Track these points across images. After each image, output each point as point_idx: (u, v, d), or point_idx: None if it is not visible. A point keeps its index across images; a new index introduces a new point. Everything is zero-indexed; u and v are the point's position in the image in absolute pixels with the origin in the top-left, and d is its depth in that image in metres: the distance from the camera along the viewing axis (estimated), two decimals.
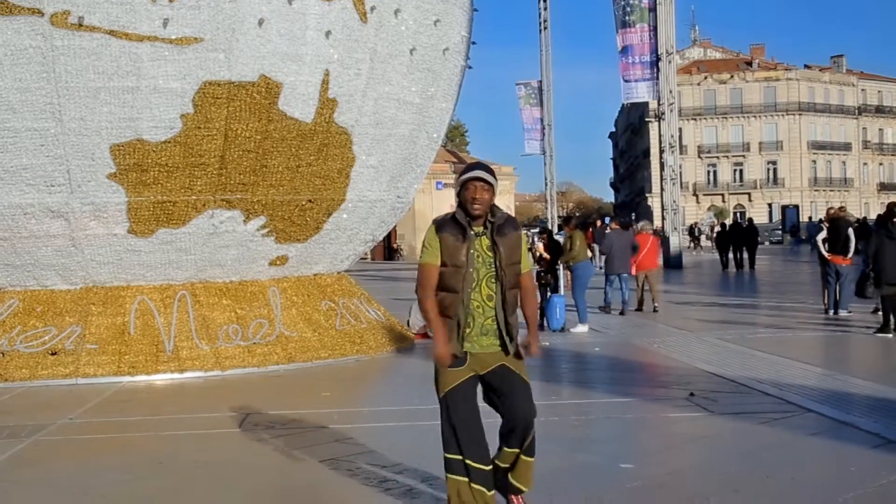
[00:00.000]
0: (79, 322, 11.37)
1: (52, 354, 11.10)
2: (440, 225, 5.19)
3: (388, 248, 50.66)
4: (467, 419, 5.12)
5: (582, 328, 15.10)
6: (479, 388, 5.26)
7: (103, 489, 6.53)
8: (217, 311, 11.90)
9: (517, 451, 5.21)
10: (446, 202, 51.53)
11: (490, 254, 5.13)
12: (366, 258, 41.62)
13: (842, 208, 18.50)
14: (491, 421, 5.31)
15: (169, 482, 6.68)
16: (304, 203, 12.09)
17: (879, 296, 13.79)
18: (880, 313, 14.49)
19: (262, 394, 10.22)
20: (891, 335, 13.54)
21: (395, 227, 27.83)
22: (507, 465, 5.27)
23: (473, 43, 14.32)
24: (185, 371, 11.21)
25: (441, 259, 5.11)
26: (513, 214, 5.02)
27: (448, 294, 5.11)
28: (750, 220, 39.96)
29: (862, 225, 31.69)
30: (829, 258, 16.33)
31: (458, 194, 5.18)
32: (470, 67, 14.43)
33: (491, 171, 5.21)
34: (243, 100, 10.92)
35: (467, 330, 5.12)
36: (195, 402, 9.91)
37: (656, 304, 18.04)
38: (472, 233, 5.12)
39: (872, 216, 36.86)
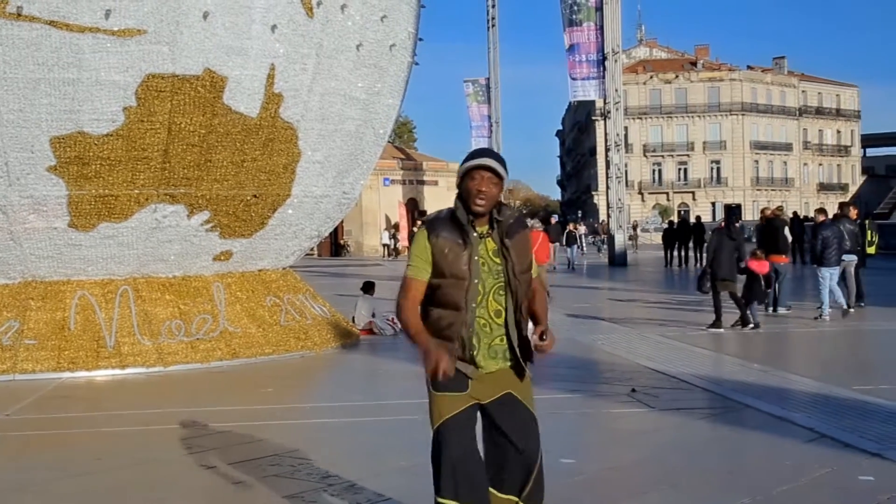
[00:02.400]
0: (17, 317, 11.17)
1: None
2: (432, 226, 4.25)
3: (334, 245, 50.44)
4: (466, 456, 4.25)
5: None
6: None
7: (39, 486, 6.43)
8: (160, 307, 11.78)
9: (515, 499, 4.37)
10: (394, 198, 51.52)
11: (498, 260, 4.22)
12: (312, 254, 41.38)
13: (779, 208, 18.89)
14: None
15: (107, 479, 6.61)
16: (248, 198, 12.01)
17: (713, 291, 14.43)
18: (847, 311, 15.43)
19: (204, 390, 10.15)
20: (722, 330, 14.17)
21: (341, 222, 27.73)
22: None
23: (420, 39, 14.34)
24: (126, 367, 11.08)
25: (435, 269, 4.21)
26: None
27: (446, 311, 4.20)
28: (697, 217, 40.54)
29: (796, 221, 32.39)
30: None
31: (459, 185, 4.26)
32: (417, 64, 14.45)
33: (502, 161, 4.26)
34: (187, 93, 10.81)
35: (473, 353, 4.22)
36: (136, 398, 9.80)
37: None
38: (475, 234, 4.21)
39: (811, 215, 37.74)
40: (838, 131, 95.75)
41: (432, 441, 4.28)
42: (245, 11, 10.96)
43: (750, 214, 74.70)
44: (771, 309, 16.56)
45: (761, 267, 14.79)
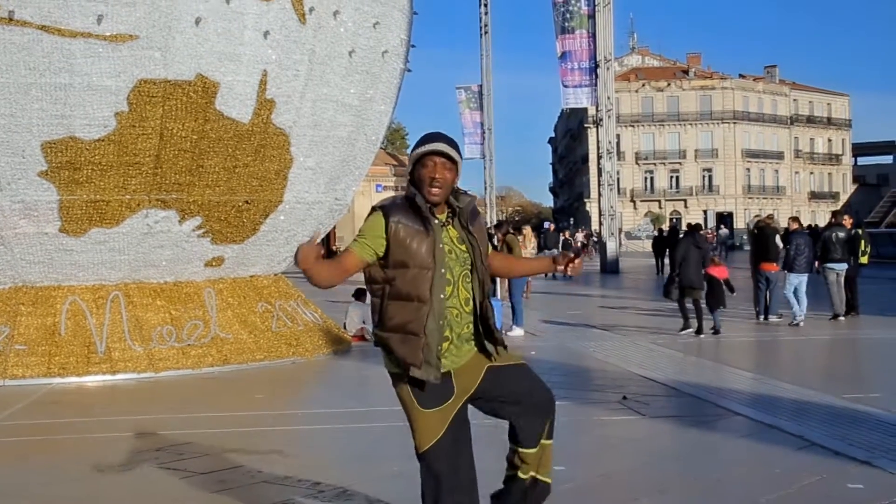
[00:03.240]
0: (7, 322, 11.14)
1: None
2: (390, 211, 3.94)
3: (327, 251, 50.45)
4: (460, 477, 4.02)
5: (518, 331, 15.21)
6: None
7: (29, 492, 6.41)
8: (151, 312, 11.76)
9: (543, 440, 4.25)
10: None
11: (464, 247, 4.01)
12: None
13: (770, 217, 18.98)
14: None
15: (98, 485, 6.59)
16: (240, 204, 12.00)
17: (679, 298, 14.89)
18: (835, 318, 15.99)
19: (195, 396, 10.13)
20: (692, 330, 14.63)
21: (333, 229, 27.74)
22: (532, 469, 4.29)
23: (413, 46, 14.35)
24: (117, 373, 11.05)
25: (392, 259, 3.92)
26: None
27: (409, 304, 3.92)
28: (688, 225, 40.63)
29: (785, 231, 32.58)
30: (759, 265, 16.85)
31: (411, 173, 4.00)
32: (409, 70, 14.46)
33: (454, 144, 4.01)
34: (179, 99, 10.81)
35: (446, 345, 3.97)
36: (127, 404, 9.78)
37: None
38: (436, 222, 3.96)
39: (804, 223, 37.76)
40: (829, 140, 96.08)
41: (421, 468, 4.03)
42: (237, 17, 10.97)
43: (742, 222, 74.93)
44: (762, 317, 16.61)
45: (720, 273, 15.19)
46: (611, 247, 35.63)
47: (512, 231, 16.69)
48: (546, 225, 66.39)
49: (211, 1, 10.72)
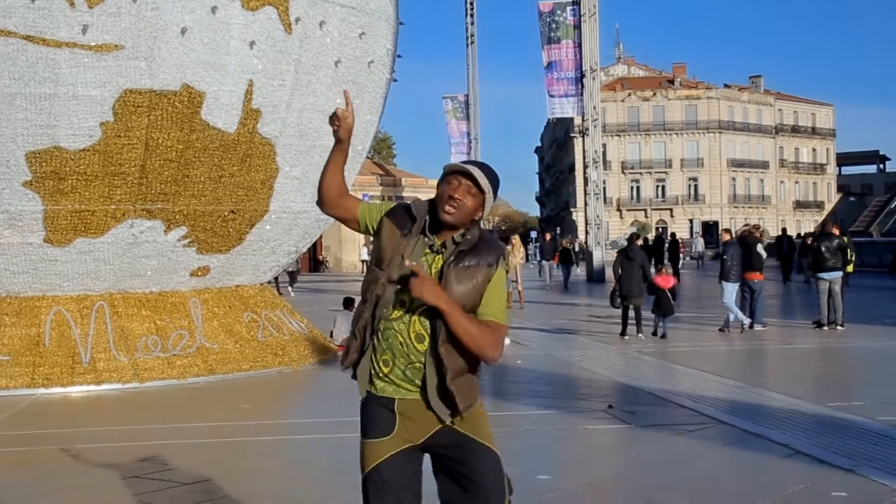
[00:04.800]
0: None
1: None
2: (394, 207, 3.63)
3: (313, 260, 50.36)
4: None
5: (505, 340, 15.19)
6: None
7: (14, 503, 6.38)
8: (136, 322, 11.71)
9: None
10: None
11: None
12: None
13: (756, 226, 19.06)
14: None
15: (82, 497, 6.55)
16: (226, 214, 11.98)
17: (622, 305, 15.98)
18: (818, 328, 16.35)
19: (180, 406, 10.09)
20: (641, 335, 15.58)
21: (320, 238, 27.67)
22: None
23: (399, 56, 14.39)
24: (102, 383, 11.00)
25: (375, 249, 3.58)
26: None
27: (362, 305, 3.58)
28: (673, 234, 40.77)
29: (785, 239, 32.71)
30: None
31: (438, 187, 3.56)
32: (395, 80, 14.49)
33: (491, 175, 3.54)
34: (165, 109, 10.79)
35: (385, 369, 3.45)
36: (112, 414, 9.74)
37: None
38: (425, 239, 3.50)
39: (791, 232, 37.97)
40: (814, 149, 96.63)
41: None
42: (223, 27, 10.97)
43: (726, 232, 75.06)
44: (748, 325, 16.66)
45: (665, 282, 15.95)
46: (597, 256, 35.67)
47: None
48: (533, 234, 66.38)
49: (197, 11, 10.72)
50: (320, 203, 3.75)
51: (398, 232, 3.50)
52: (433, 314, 3.35)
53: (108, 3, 10.24)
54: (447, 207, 3.45)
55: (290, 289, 31.77)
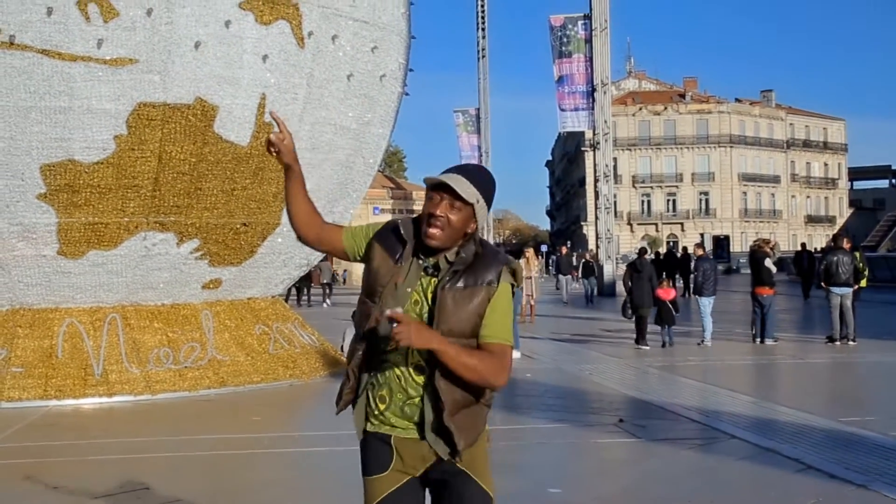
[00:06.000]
0: (4, 345, 11.13)
1: None
2: (383, 229, 3.30)
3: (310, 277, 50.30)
4: None
5: (514, 354, 15.19)
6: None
7: None
8: (148, 335, 11.76)
9: None
10: None
11: (429, 307, 3.14)
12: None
13: (766, 241, 19.02)
14: None
15: None
16: (238, 226, 12.04)
17: (635, 316, 16.59)
18: (830, 343, 16.43)
19: (192, 418, 10.12)
20: (647, 346, 16.10)
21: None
22: None
23: (411, 70, 14.44)
24: (114, 395, 11.04)
25: (366, 276, 3.26)
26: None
27: (356, 341, 3.27)
28: (685, 249, 40.71)
29: (805, 255, 32.40)
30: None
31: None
32: (407, 94, 14.54)
33: (480, 179, 3.18)
34: (178, 122, 10.86)
35: (381, 406, 3.21)
36: (123, 426, 9.77)
37: None
38: (419, 262, 3.17)
39: (800, 248, 37.78)
40: (826, 164, 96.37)
41: None
42: (236, 41, 11.05)
43: (738, 246, 74.97)
44: (759, 340, 16.62)
45: (666, 294, 16.55)
46: (608, 270, 35.63)
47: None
48: (543, 248, 66.34)
49: (210, 25, 10.80)
50: (301, 240, 3.50)
51: (389, 259, 3.18)
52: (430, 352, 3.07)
53: (123, 17, 10.33)
54: (430, 230, 3.09)
55: (327, 301, 31.78)
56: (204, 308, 12.39)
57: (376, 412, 3.22)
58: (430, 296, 3.12)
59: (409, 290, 3.12)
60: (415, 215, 3.29)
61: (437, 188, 3.11)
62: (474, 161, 49.64)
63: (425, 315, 3.11)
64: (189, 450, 8.28)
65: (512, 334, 3.24)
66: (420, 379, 3.13)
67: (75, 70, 10.27)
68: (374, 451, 3.25)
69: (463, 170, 3.18)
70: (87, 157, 10.63)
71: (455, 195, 3.08)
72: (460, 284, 3.10)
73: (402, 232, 3.17)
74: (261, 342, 12.67)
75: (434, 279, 3.13)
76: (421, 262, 3.15)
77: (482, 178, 3.17)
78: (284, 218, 12.43)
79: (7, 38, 10.01)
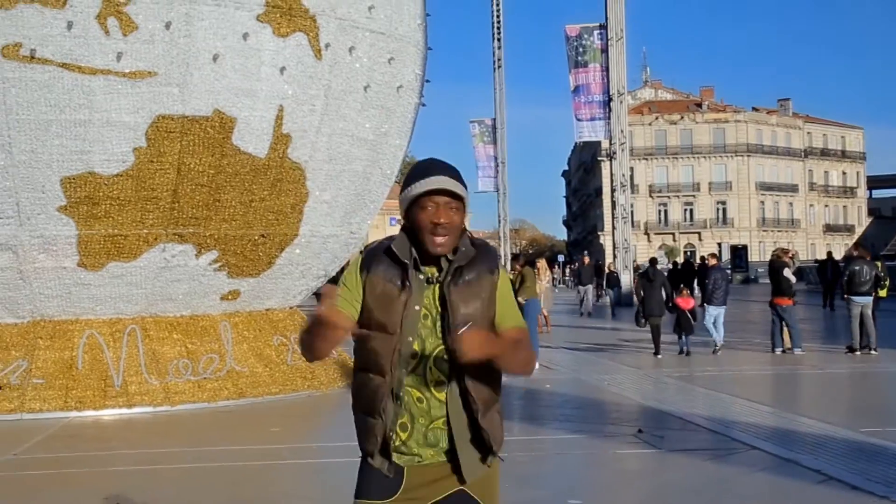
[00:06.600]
0: (25, 356, 11.20)
1: None
2: (370, 257, 3.09)
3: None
4: None
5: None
6: None
7: None
8: (167, 346, 11.81)
9: None
10: None
11: (437, 312, 3.04)
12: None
13: (785, 251, 18.94)
14: None
15: None
16: (256, 238, 12.08)
17: (650, 325, 16.62)
18: (851, 353, 16.37)
19: (211, 429, 10.14)
20: (660, 356, 16.22)
21: (348, 262, 27.80)
22: None
23: (427, 81, 14.47)
24: (133, 406, 11.08)
25: (365, 315, 3.04)
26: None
27: (372, 377, 3.04)
28: (702, 258, 40.58)
29: (830, 262, 31.87)
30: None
31: (408, 214, 3.07)
32: (424, 105, 14.57)
33: (457, 175, 3.08)
34: (197, 134, 10.92)
35: (403, 435, 3.03)
36: (143, 437, 9.81)
37: None
38: (420, 277, 3.04)
39: (820, 256, 37.52)
40: (844, 173, 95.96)
41: None
42: (254, 54, 11.11)
43: (757, 255, 74.63)
44: (778, 350, 16.52)
45: (685, 303, 16.61)
46: (625, 280, 35.53)
47: (524, 264, 16.68)
48: (560, 258, 66.29)
49: (228, 38, 10.86)
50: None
51: (395, 289, 3.00)
52: (449, 354, 2.98)
53: (142, 30, 10.41)
54: (437, 240, 2.97)
55: None
56: (222, 319, 12.44)
57: (397, 443, 3.04)
58: (436, 302, 3.02)
59: (417, 307, 3.00)
60: (387, 238, 3.14)
61: (432, 194, 2.98)
62: (490, 171, 49.77)
63: (438, 325, 3.01)
64: (208, 461, 8.30)
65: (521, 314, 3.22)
66: (442, 396, 3.01)
67: (95, 83, 10.35)
68: (379, 476, 3.07)
69: (439, 169, 3.05)
70: (107, 170, 10.70)
71: (452, 195, 2.99)
72: (465, 279, 3.02)
73: (398, 254, 3.02)
74: (279, 353, 12.70)
75: (436, 286, 3.03)
76: (421, 276, 3.04)
77: (457, 172, 3.08)
78: (302, 229, 12.50)
79: (28, 52, 10.11)
